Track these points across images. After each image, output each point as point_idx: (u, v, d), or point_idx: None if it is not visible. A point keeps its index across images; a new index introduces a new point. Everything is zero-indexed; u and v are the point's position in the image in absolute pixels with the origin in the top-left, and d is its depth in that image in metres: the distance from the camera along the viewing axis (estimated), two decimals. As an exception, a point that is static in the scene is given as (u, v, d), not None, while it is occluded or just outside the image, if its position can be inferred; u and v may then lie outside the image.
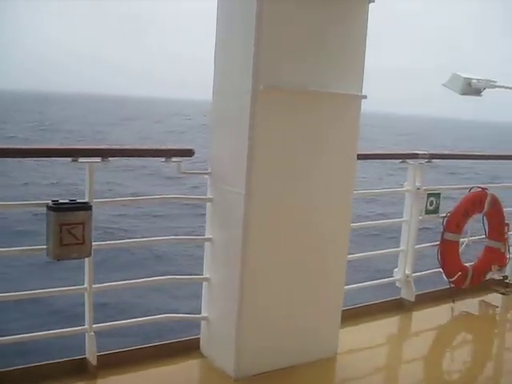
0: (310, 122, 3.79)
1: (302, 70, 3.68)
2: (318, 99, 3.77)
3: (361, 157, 4.30)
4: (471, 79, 5.84)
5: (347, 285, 4.60)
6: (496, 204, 5.84)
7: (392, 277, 5.56)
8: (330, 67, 3.82)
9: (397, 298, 5.52)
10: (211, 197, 3.97)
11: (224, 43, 3.77)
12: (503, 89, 6.06)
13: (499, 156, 7.28)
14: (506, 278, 6.28)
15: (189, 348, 4.16)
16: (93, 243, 3.52)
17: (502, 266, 6.14)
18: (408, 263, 5.50)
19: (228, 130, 3.81)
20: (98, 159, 3.60)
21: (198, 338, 4.18)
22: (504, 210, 5.99)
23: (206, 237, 4.02)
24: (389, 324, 5.26)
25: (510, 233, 6.20)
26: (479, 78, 5.88)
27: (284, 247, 3.82)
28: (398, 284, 5.53)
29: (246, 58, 3.48)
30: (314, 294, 4.06)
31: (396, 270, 5.55)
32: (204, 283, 4.10)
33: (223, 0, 3.75)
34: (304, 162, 3.81)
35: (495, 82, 5.92)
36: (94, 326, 3.80)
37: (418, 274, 5.63)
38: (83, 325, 3.80)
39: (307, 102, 3.73)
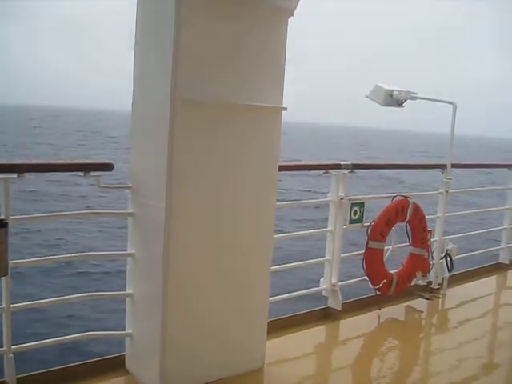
0: (231, 135, 3.86)
1: (222, 82, 3.75)
2: (239, 112, 3.86)
3: (283, 168, 4.40)
4: (393, 91, 6.10)
5: (275, 295, 4.70)
6: (418, 212, 6.10)
7: (318, 286, 5.69)
8: (250, 80, 3.91)
9: (324, 307, 5.68)
10: (132, 211, 3.99)
11: (142, 54, 3.81)
12: (424, 100, 6.37)
13: (417, 165, 7.61)
14: (430, 283, 6.58)
15: (114, 365, 4.15)
16: (10, 261, 3.47)
17: (425, 271, 6.43)
18: (334, 272, 5.65)
19: (147, 143, 3.84)
20: (14, 175, 3.56)
21: (123, 355, 4.18)
22: (426, 217, 6.24)
23: (127, 252, 4.04)
24: (316, 333, 5.40)
25: (432, 239, 6.49)
26: (401, 89, 6.14)
27: (207, 261, 3.87)
28: (324, 293, 5.68)
29: (165, 71, 3.52)
30: (239, 307, 4.13)
31: (322, 279, 5.70)
32: (127, 299, 4.12)
33: (141, 11, 3.79)
34: (226, 175, 3.88)
35: (416, 93, 6.21)
36: (13, 347, 3.74)
37: (344, 282, 5.80)
38: (1, 347, 3.73)
39: (228, 115, 3.81)
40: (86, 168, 3.85)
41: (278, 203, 4.47)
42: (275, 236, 4.52)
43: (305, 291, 5.57)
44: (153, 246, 3.77)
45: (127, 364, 4.15)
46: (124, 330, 4.16)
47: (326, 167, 5.55)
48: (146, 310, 3.93)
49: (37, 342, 3.95)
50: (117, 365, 4.15)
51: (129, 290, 4.07)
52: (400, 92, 6.10)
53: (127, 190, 4.01)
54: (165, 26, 3.53)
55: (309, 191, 27.84)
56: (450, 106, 6.30)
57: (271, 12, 3.94)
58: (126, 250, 4.07)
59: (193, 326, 3.88)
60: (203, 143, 3.72)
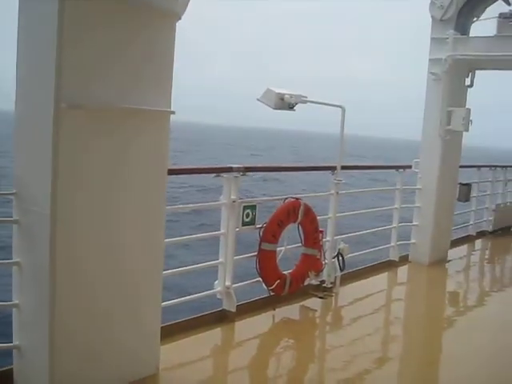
0: (117, 139, 3.87)
1: (109, 86, 3.76)
2: (125, 115, 3.88)
3: (172, 172, 4.46)
4: (284, 94, 6.31)
5: (167, 300, 4.76)
6: (309, 213, 6.36)
7: (213, 289, 5.82)
8: (137, 84, 3.94)
9: (218, 309, 5.81)
10: (17, 218, 3.92)
11: (26, 56, 3.74)
12: (314, 104, 6.65)
13: (308, 168, 7.91)
14: (323, 282, 6.89)
15: (1, 379, 4.05)
16: None
17: (318, 271, 6.72)
18: (228, 275, 5.79)
19: (31, 147, 3.79)
20: None
21: (11, 368, 4.07)
22: (317, 218, 6.51)
23: (13, 260, 3.96)
24: (212, 336, 5.52)
25: (324, 239, 6.77)
26: (292, 93, 6.37)
27: (95, 268, 3.87)
28: (218, 296, 5.82)
29: (48, 74, 3.50)
30: (130, 312, 4.14)
31: (216, 282, 5.83)
32: (14, 309, 4.02)
33: (24, 15, 3.71)
34: (113, 179, 3.89)
35: (306, 97, 6.46)
36: None
37: (238, 284, 5.96)
38: None
39: (114, 119, 3.83)
40: None
41: (168, 207, 4.54)
42: (166, 240, 4.58)
43: (198, 294, 5.68)
44: (38, 254, 3.72)
45: (15, 377, 4.04)
46: (11, 341, 4.04)
47: (218, 170, 5.68)
48: (34, 321, 3.86)
49: None
50: (4, 378, 4.04)
51: (15, 300, 3.98)
52: (291, 95, 6.32)
53: (11, 197, 3.93)
54: (48, 30, 3.49)
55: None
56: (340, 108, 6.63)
57: (158, 16, 4.00)
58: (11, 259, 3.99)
59: (83, 336, 3.85)
60: (89, 147, 3.71)
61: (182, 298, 5.43)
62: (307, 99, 6.46)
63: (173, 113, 4.18)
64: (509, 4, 8.74)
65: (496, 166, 12.65)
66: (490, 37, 8.52)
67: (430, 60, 8.76)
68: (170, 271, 5.08)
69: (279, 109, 6.35)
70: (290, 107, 6.38)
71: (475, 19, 8.85)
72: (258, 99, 6.36)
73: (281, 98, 6.30)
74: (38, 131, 3.66)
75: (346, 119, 6.58)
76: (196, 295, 5.64)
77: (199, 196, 24.61)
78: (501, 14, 8.49)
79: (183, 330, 5.24)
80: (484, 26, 8.91)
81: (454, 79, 8.67)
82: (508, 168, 13.30)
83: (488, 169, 12.42)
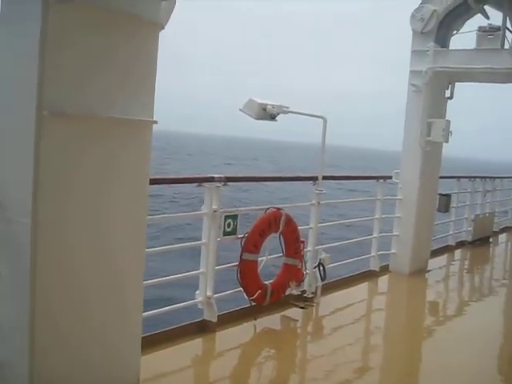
0: (100, 148, 3.84)
1: (91, 95, 3.74)
2: (108, 125, 3.86)
3: (154, 182, 4.45)
4: (266, 105, 6.36)
5: (148, 310, 4.75)
6: (290, 223, 6.40)
7: (194, 299, 5.81)
8: (120, 93, 3.92)
9: (199, 319, 5.80)
10: None
11: (8, 62, 3.70)
12: (296, 114, 6.71)
13: (289, 178, 7.97)
14: (304, 292, 6.92)
15: None
16: None
17: (299, 281, 6.75)
18: (209, 285, 5.79)
19: (13, 156, 3.74)
20: None
21: None
22: (298, 228, 6.54)
23: None
24: (193, 346, 5.52)
25: (305, 250, 6.80)
26: (274, 103, 6.42)
27: (77, 277, 3.83)
28: (200, 306, 5.81)
29: (30, 82, 3.47)
30: (111, 322, 4.10)
31: (197, 292, 5.82)
32: None
33: (5, 22, 3.69)
34: (95, 189, 3.86)
35: (288, 107, 6.52)
36: None
37: (219, 294, 5.96)
38: None
39: (96, 128, 3.80)
40: None
41: (149, 216, 4.53)
42: (148, 250, 4.57)
43: (179, 304, 5.67)
44: (19, 264, 3.68)
45: None
46: None
47: (199, 180, 5.69)
48: (13, 331, 3.78)
49: None
50: None
51: None
52: (273, 106, 6.38)
53: None
54: (30, 37, 3.47)
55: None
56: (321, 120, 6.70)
57: (141, 26, 4.00)
58: None
59: (64, 346, 3.80)
60: (71, 156, 3.68)
61: (163, 308, 5.42)
62: (289, 110, 6.51)
63: (155, 122, 4.18)
64: (488, 18, 8.91)
65: (475, 177, 12.84)
66: (469, 50, 8.68)
67: (410, 72, 8.89)
68: (151, 281, 5.07)
69: (261, 119, 6.40)
70: (272, 117, 6.43)
71: (455, 32, 9.00)
72: (240, 109, 6.40)
73: (263, 108, 6.35)
74: (20, 139, 3.62)
75: (327, 130, 6.65)
76: (177, 305, 5.62)
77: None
78: (480, 27, 8.66)
79: (164, 341, 5.23)
80: (464, 39, 9.07)
81: (434, 91, 8.80)
82: (487, 179, 13.51)
83: (467, 180, 12.59)
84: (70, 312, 3.84)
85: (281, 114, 6.42)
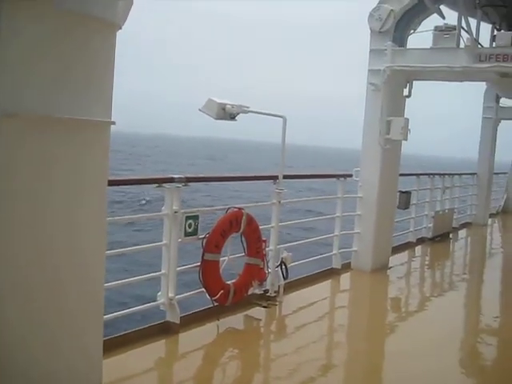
0: (57, 150, 3.75)
1: (48, 96, 3.65)
2: (65, 126, 3.76)
3: (113, 183, 4.40)
4: (225, 104, 6.38)
5: (109, 313, 4.71)
6: (252, 222, 6.42)
7: (156, 301, 5.78)
8: (77, 93, 3.84)
9: (162, 321, 5.78)
10: None
11: None
12: (256, 114, 6.74)
13: (250, 177, 8.00)
14: (266, 291, 6.96)
15: None
16: None
17: (262, 280, 6.78)
18: (171, 286, 5.78)
19: None
20: None
21: None
22: (260, 227, 6.57)
23: None
24: (156, 348, 5.50)
25: (267, 249, 6.84)
26: (233, 103, 6.44)
27: (30, 282, 3.71)
28: (162, 307, 5.79)
29: None
30: (70, 328, 4.00)
31: (159, 293, 5.79)
32: None
33: None
34: (52, 190, 3.79)
35: (248, 107, 6.54)
36: None
37: (181, 295, 5.95)
38: None
39: (54, 129, 3.72)
40: None
41: (109, 218, 4.49)
42: (108, 252, 4.53)
43: (141, 307, 5.65)
44: None
45: None
46: None
47: (159, 181, 5.66)
48: None
49: None
50: None
51: None
52: (232, 106, 6.39)
53: None
54: None
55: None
56: (281, 119, 6.74)
57: (98, 26, 3.95)
58: None
59: (19, 354, 3.68)
60: (26, 158, 3.60)
61: (125, 311, 5.39)
62: (249, 109, 6.54)
63: (113, 123, 4.12)
64: (443, 17, 9.10)
65: (434, 174, 13.09)
66: (426, 49, 8.85)
67: (369, 71, 9.02)
68: (112, 283, 5.04)
69: (221, 119, 6.41)
70: (232, 117, 6.45)
71: (412, 32, 9.18)
72: (199, 109, 6.40)
73: (222, 108, 6.37)
74: None
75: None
76: (139, 307, 5.61)
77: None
78: (436, 27, 8.84)
79: (126, 343, 5.20)
80: (421, 38, 9.25)
81: (392, 90, 8.94)
82: (446, 176, 13.79)
83: (427, 177, 12.83)
84: (23, 322, 3.73)
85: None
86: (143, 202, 30.20)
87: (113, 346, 4.89)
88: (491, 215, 17.53)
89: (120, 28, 4.15)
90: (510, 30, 9.02)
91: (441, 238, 12.88)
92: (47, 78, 3.68)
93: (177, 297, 5.83)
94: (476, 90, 16.39)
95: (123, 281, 5.52)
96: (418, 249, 11.88)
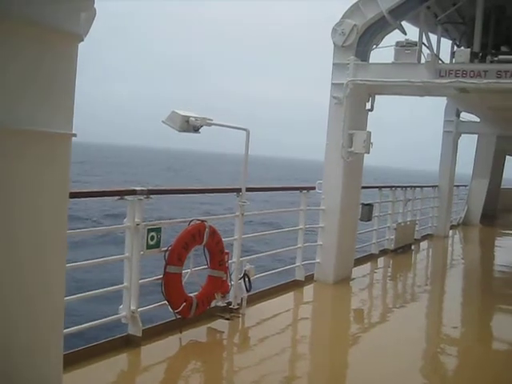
0: (15, 163, 3.73)
1: (4, 108, 3.62)
2: (24, 138, 3.73)
3: (74, 195, 4.37)
4: (189, 117, 6.40)
5: (70, 327, 4.66)
6: (215, 235, 6.44)
7: (118, 314, 5.74)
8: (37, 105, 3.81)
9: (124, 334, 5.75)
10: None
11: None
12: (219, 126, 6.77)
13: (214, 190, 8.02)
14: (229, 304, 6.97)
15: None
16: None
17: (225, 293, 6.78)
18: (133, 299, 5.74)
19: None
20: None
21: None
22: (223, 240, 6.59)
23: None
24: (117, 362, 5.46)
25: (230, 261, 6.86)
26: (197, 115, 6.46)
27: None
28: (124, 320, 5.75)
29: None
30: (27, 340, 3.97)
31: (121, 306, 5.76)
32: None
33: None
34: (11, 202, 3.76)
35: (211, 119, 6.57)
36: None
37: (144, 308, 5.93)
38: None
39: (13, 141, 3.69)
40: None
41: (69, 231, 4.46)
42: (69, 265, 4.50)
43: (103, 320, 5.60)
44: None
45: None
46: None
47: (121, 193, 5.63)
48: None
49: None
50: None
51: None
52: (196, 118, 6.41)
53: None
54: None
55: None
56: (244, 132, 6.79)
57: (60, 38, 3.93)
58: None
59: None
60: None
61: (86, 324, 5.35)
62: (212, 122, 6.57)
63: (74, 135, 4.10)
64: (405, 33, 9.31)
65: (396, 187, 13.30)
66: (388, 64, 9.03)
67: (332, 84, 9.14)
68: (72, 296, 4.99)
69: (184, 131, 6.41)
70: (195, 130, 6.46)
71: (374, 47, 9.36)
72: (163, 121, 6.40)
73: (186, 120, 6.38)
74: None
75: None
76: (100, 320, 5.56)
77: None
78: (397, 42, 9.05)
79: (88, 357, 5.16)
80: (382, 53, 9.44)
81: (355, 103, 9.09)
82: (407, 188, 14.02)
83: (389, 189, 13.04)
84: None
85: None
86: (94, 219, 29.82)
87: (74, 359, 4.85)
88: (452, 227, 17.89)
89: (82, 40, 4.13)
90: (469, 47, 9.25)
91: (403, 249, 13.07)
92: (4, 90, 3.64)
93: (139, 309, 5.80)
94: (436, 105, 16.73)
95: (84, 294, 5.47)
96: (381, 260, 12.04)
